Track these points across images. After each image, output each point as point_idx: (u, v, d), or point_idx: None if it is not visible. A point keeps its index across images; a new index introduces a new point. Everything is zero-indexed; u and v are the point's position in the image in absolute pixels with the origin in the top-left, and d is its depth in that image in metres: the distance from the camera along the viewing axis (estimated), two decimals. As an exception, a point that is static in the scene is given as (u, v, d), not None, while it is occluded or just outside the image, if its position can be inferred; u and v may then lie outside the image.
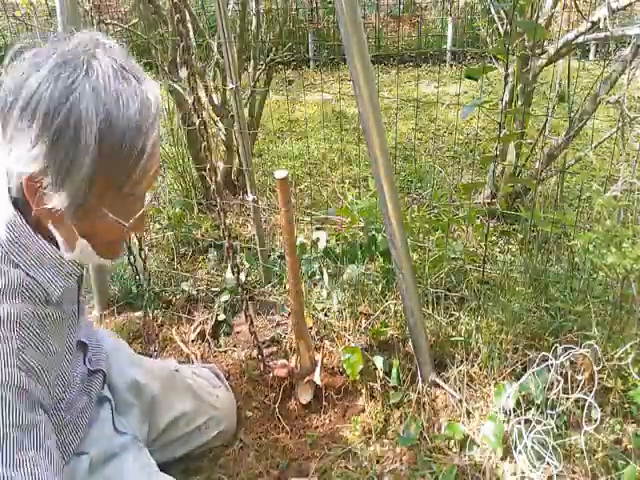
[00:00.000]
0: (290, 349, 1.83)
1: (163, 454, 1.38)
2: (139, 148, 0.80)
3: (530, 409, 1.46)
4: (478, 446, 1.47)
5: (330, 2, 6.26)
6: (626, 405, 1.47)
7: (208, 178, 1.41)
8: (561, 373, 1.45)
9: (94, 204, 0.83)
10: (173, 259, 2.38)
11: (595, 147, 2.39)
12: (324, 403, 1.65)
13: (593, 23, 1.99)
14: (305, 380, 1.65)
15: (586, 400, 1.34)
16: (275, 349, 1.86)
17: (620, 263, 1.29)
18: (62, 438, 1.02)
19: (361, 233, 2.10)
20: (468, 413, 1.55)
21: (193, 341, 1.94)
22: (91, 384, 1.15)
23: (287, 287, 2.12)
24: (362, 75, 1.25)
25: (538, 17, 2.22)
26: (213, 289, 2.14)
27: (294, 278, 1.54)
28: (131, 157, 0.80)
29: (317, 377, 1.62)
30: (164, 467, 1.36)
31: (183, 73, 2.37)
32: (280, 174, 1.38)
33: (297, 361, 1.68)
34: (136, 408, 1.27)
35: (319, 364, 1.64)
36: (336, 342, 1.81)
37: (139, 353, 1.65)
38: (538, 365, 1.47)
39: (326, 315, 1.93)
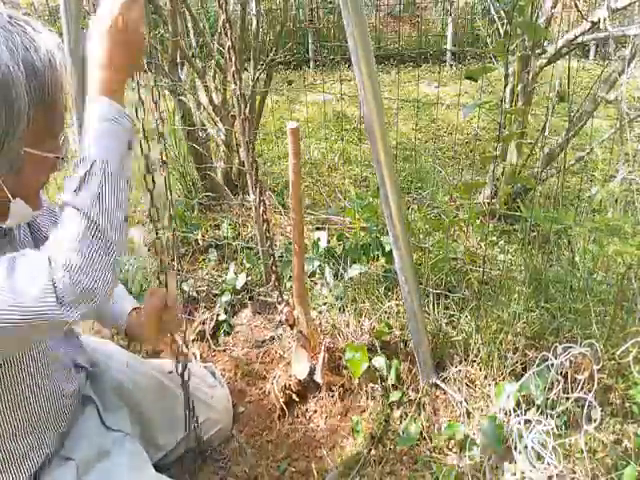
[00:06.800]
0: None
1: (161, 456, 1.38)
2: (58, 84, 0.84)
3: (530, 409, 1.45)
4: (478, 446, 1.46)
5: (330, 2, 6.25)
6: (627, 404, 1.47)
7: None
8: (561, 373, 1.44)
9: (27, 156, 0.83)
10: (173, 259, 2.37)
11: (596, 146, 2.38)
12: (324, 403, 1.65)
13: (593, 23, 1.99)
14: (300, 344, 1.64)
15: (586, 400, 1.34)
16: (274, 349, 1.86)
17: (622, 252, 1.28)
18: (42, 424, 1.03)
19: (362, 233, 2.10)
20: (468, 413, 1.55)
21: (193, 341, 1.94)
22: (78, 378, 1.16)
23: (287, 282, 2.12)
24: (367, 78, 1.25)
25: (538, 17, 2.22)
26: (213, 290, 2.14)
27: (299, 239, 1.52)
28: (52, 94, 0.83)
29: (318, 376, 1.62)
30: (162, 467, 1.37)
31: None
32: (292, 124, 1.41)
33: (295, 321, 1.66)
34: (125, 410, 1.26)
35: (320, 363, 1.63)
36: (338, 342, 1.80)
37: (138, 353, 1.65)
38: (538, 365, 1.47)
39: (328, 315, 1.93)
